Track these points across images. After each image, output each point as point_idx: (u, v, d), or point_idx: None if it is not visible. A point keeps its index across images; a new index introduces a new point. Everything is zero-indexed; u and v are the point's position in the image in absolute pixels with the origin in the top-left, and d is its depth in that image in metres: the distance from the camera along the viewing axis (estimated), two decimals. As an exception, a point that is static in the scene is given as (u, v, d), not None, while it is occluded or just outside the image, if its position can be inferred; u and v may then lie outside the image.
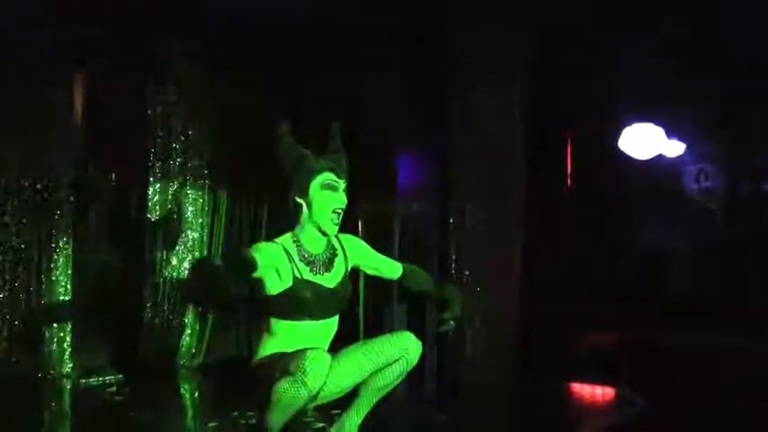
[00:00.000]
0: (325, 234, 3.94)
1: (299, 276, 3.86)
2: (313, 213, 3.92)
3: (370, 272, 4.20)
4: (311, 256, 3.93)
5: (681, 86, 7.21)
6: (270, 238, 4.03)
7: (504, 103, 6.65)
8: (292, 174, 3.94)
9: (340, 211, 3.91)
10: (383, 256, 4.21)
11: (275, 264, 3.84)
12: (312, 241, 3.94)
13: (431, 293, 4.30)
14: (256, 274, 3.79)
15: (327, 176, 3.92)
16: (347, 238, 4.11)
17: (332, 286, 3.94)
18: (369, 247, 4.18)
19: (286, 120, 4.02)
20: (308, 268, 3.90)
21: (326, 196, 3.91)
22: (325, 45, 6.83)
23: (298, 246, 3.92)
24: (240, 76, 7.21)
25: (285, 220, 4.04)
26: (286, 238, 3.96)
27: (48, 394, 6.11)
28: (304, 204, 3.93)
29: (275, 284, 3.88)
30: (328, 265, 3.97)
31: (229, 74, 7.13)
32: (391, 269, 4.20)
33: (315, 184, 3.92)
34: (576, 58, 7.04)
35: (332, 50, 6.85)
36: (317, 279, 3.90)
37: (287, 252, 3.89)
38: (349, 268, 4.06)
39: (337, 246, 4.05)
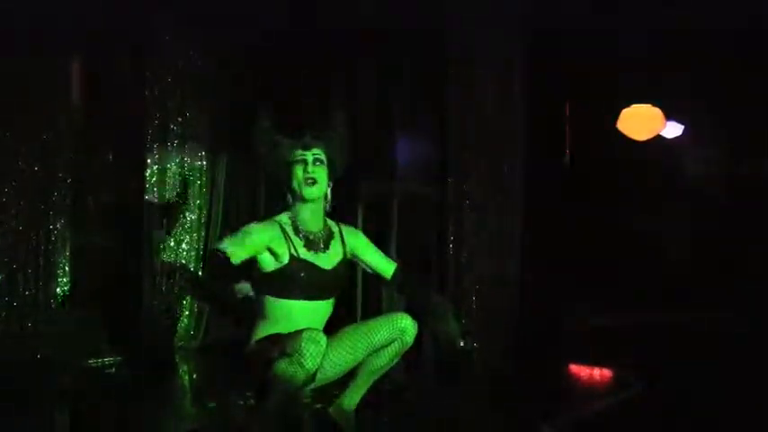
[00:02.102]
0: (305, 200, 3.96)
1: (296, 254, 3.90)
2: (293, 191, 3.97)
3: (364, 266, 4.22)
4: (308, 233, 3.97)
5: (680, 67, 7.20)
6: (268, 217, 4.07)
7: (503, 82, 6.65)
8: (267, 159, 4.02)
9: (310, 179, 3.95)
10: (380, 255, 4.23)
11: (267, 243, 3.88)
12: (307, 219, 3.98)
13: (419, 308, 4.31)
14: (241, 257, 3.79)
15: (294, 153, 3.99)
16: (348, 229, 4.17)
17: (327, 268, 3.96)
18: (368, 241, 4.21)
19: (265, 114, 4.10)
20: (304, 244, 3.94)
21: (296, 170, 3.99)
22: (321, 26, 6.82)
23: (294, 223, 3.97)
24: (238, 60, 7.21)
25: (283, 199, 4.10)
26: (284, 216, 4.01)
27: (48, 376, 6.13)
28: (284, 185, 4.01)
29: (270, 262, 3.92)
30: (325, 245, 4.00)
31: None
32: (384, 268, 4.20)
33: (288, 163, 3.99)
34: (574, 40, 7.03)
35: (328, 32, 6.84)
36: (313, 258, 3.94)
37: (283, 230, 3.93)
38: (347, 255, 4.09)
39: (335, 230, 4.09)
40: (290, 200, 4.05)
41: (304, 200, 3.98)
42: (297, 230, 3.97)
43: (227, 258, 3.74)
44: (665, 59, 7.12)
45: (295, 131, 4.06)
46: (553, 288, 7.50)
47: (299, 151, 4.01)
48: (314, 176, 3.97)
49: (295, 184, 3.99)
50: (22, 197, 6.39)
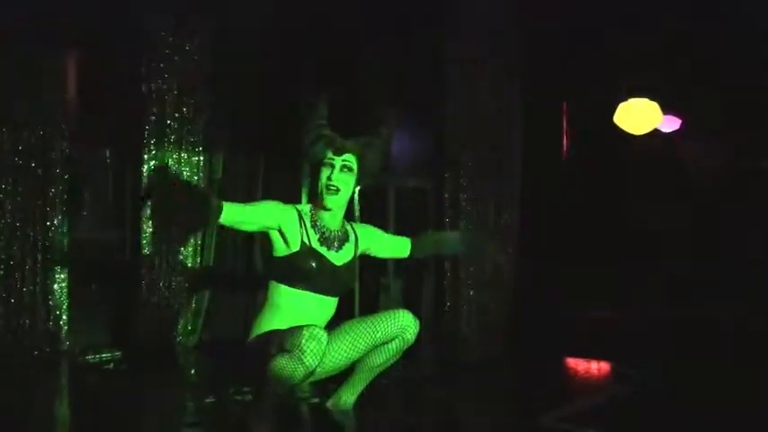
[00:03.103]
0: (324, 206, 3.96)
1: (307, 243, 3.90)
2: (315, 190, 4.00)
3: (382, 254, 4.28)
4: (324, 228, 3.97)
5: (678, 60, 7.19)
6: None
7: (500, 74, 6.64)
8: (306, 150, 4.01)
9: (333, 187, 3.93)
10: (392, 236, 4.31)
11: (277, 221, 3.88)
12: (326, 218, 3.98)
13: (444, 253, 4.46)
14: (236, 221, 3.80)
15: (325, 154, 3.97)
16: (360, 227, 4.18)
17: (338, 264, 3.96)
18: (379, 230, 4.25)
19: (324, 102, 4.08)
20: (318, 238, 3.94)
21: (321, 172, 3.97)
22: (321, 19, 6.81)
23: (314, 214, 3.97)
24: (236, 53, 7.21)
25: (282, 192, 4.10)
26: (305, 205, 4.04)
27: (45, 371, 6.12)
28: (311, 179, 4.04)
29: (281, 247, 3.91)
30: (339, 244, 4.00)
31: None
32: (401, 248, 4.29)
33: (318, 160, 3.98)
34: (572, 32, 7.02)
35: (328, 24, 6.83)
36: (325, 252, 3.93)
37: (300, 217, 3.94)
38: (358, 254, 4.10)
39: (350, 231, 4.10)
40: (314, 190, 4.06)
41: (324, 206, 3.97)
42: (314, 224, 3.97)
43: (218, 212, 3.71)
44: (663, 53, 7.11)
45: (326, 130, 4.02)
46: (552, 282, 7.50)
47: (330, 154, 3.98)
48: (337, 185, 3.95)
49: (319, 187, 3.98)
50: (18, 193, 6.38)
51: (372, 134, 4.14)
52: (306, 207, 4.05)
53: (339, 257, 4.00)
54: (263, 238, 3.99)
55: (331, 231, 4.00)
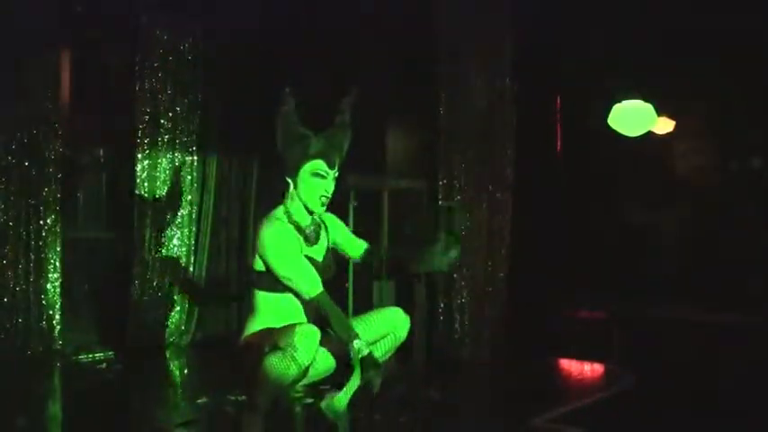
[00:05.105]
0: (311, 213, 3.96)
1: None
2: (300, 194, 3.94)
3: (343, 248, 4.21)
4: (301, 227, 3.95)
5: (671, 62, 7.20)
6: (260, 211, 4.06)
7: (494, 77, 6.64)
8: (284, 152, 3.96)
9: (326, 198, 3.92)
10: (352, 236, 4.23)
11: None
12: (301, 215, 3.96)
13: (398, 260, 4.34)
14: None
15: (317, 165, 3.94)
16: (327, 216, 4.14)
17: (319, 259, 3.96)
18: (343, 225, 4.22)
19: (291, 94, 4.03)
20: (303, 240, 3.92)
21: (314, 183, 3.94)
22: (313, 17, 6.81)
23: (290, 220, 3.94)
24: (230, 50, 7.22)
25: (275, 193, 4.07)
26: (281, 213, 3.98)
27: (38, 371, 6.11)
28: (292, 184, 3.95)
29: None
30: (317, 237, 4.00)
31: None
32: (355, 249, 4.19)
33: (304, 168, 3.95)
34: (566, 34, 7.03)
35: (321, 23, 6.83)
36: (310, 252, 3.93)
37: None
38: (329, 243, 4.09)
39: (319, 220, 4.07)
40: (292, 195, 3.99)
41: (309, 211, 3.96)
42: (295, 226, 3.95)
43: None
44: (657, 55, 7.12)
45: (321, 137, 3.99)
46: (546, 282, 7.51)
47: (323, 165, 3.95)
48: (329, 195, 3.95)
49: (307, 195, 3.94)
50: (11, 193, 6.37)
51: (336, 127, 4.09)
52: (282, 214, 3.98)
53: (318, 251, 4.01)
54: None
55: (307, 227, 3.98)
